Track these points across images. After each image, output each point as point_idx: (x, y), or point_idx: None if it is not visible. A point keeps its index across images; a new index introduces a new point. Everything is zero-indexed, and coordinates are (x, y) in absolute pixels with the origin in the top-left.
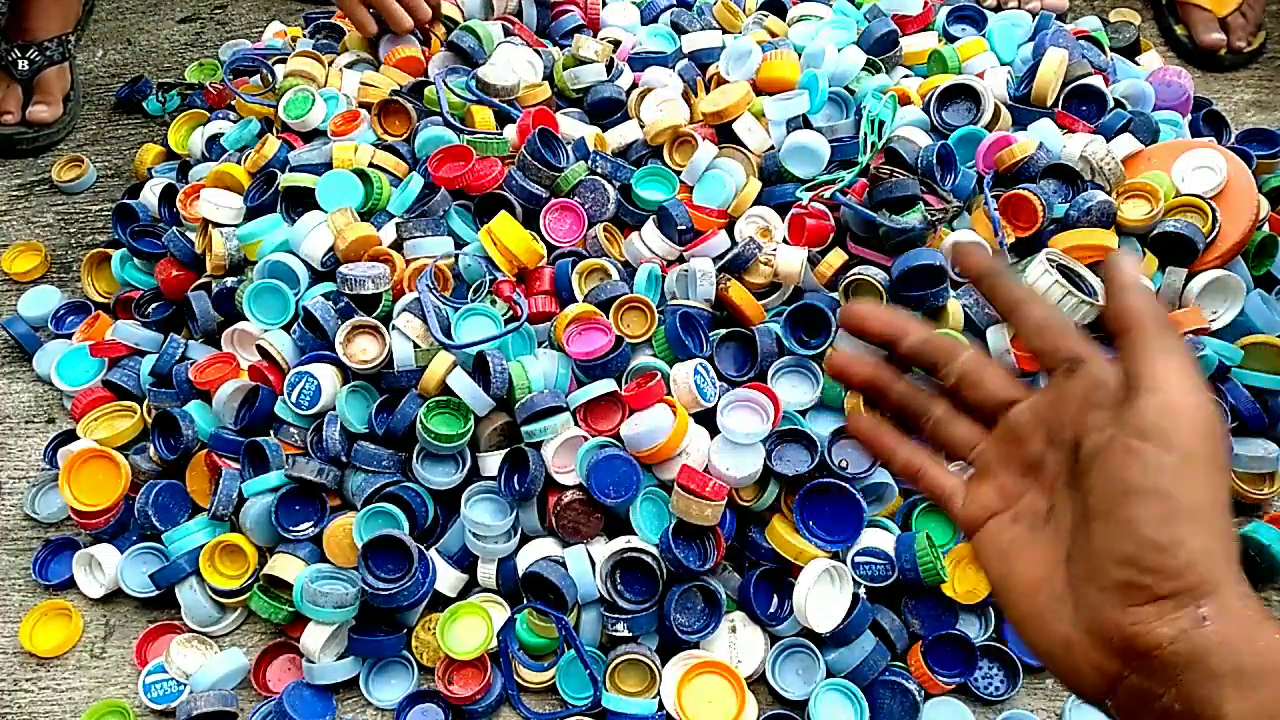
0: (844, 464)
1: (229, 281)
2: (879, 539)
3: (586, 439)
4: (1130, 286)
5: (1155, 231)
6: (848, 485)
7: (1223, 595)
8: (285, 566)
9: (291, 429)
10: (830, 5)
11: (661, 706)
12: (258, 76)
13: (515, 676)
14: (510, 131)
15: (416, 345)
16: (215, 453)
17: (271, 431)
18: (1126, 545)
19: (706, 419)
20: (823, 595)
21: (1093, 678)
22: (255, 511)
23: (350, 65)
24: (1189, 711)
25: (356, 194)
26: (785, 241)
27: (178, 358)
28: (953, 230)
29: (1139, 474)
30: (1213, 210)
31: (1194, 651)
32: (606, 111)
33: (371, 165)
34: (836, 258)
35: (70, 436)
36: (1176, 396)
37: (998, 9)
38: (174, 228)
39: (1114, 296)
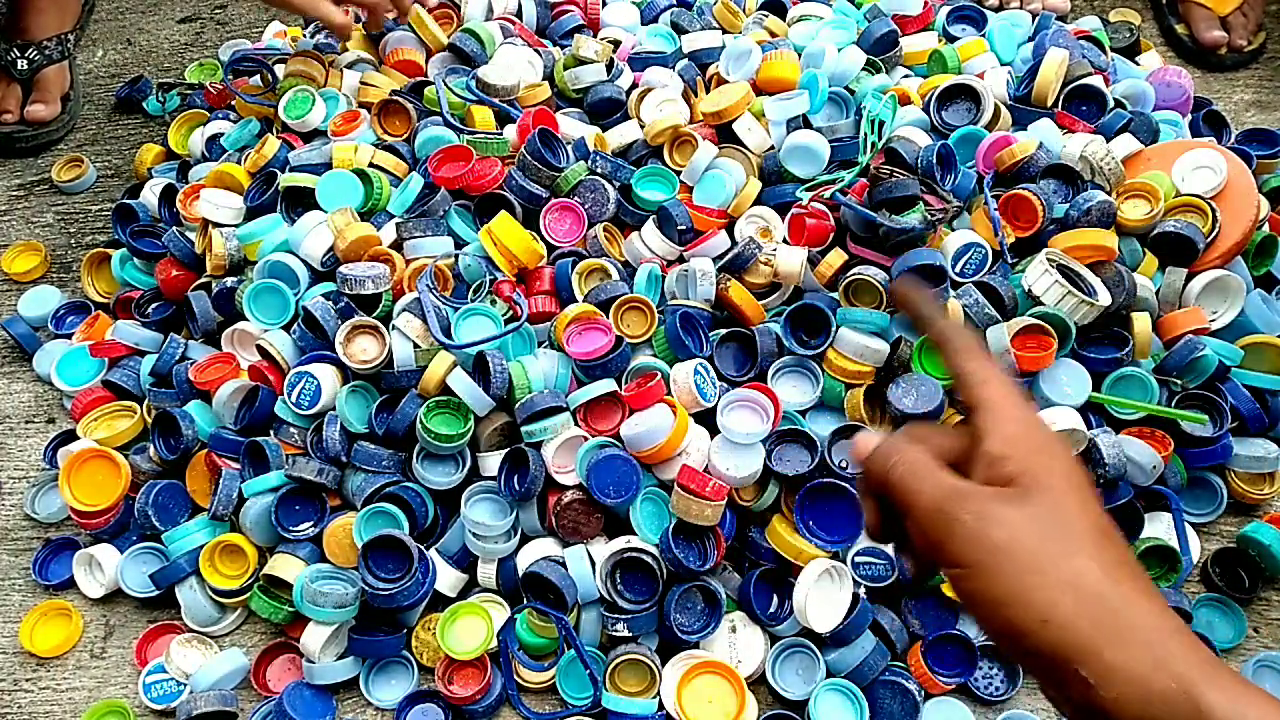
0: (844, 464)
1: (229, 281)
2: None
3: (586, 439)
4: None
5: (1155, 231)
6: (848, 485)
7: (1093, 652)
8: (285, 566)
9: (291, 429)
10: (830, 5)
11: (661, 706)
12: (258, 77)
13: (515, 676)
14: (510, 131)
15: (416, 345)
16: (215, 453)
17: (271, 431)
18: (991, 637)
19: (706, 419)
20: (823, 595)
21: None
22: (255, 511)
23: (350, 65)
24: None
25: (356, 194)
26: (785, 241)
27: (178, 358)
28: (953, 230)
29: (955, 586)
30: (1213, 210)
31: (1100, 711)
32: (606, 111)
33: (371, 165)
34: (836, 258)
35: (70, 436)
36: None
37: (999, 9)
38: (174, 228)
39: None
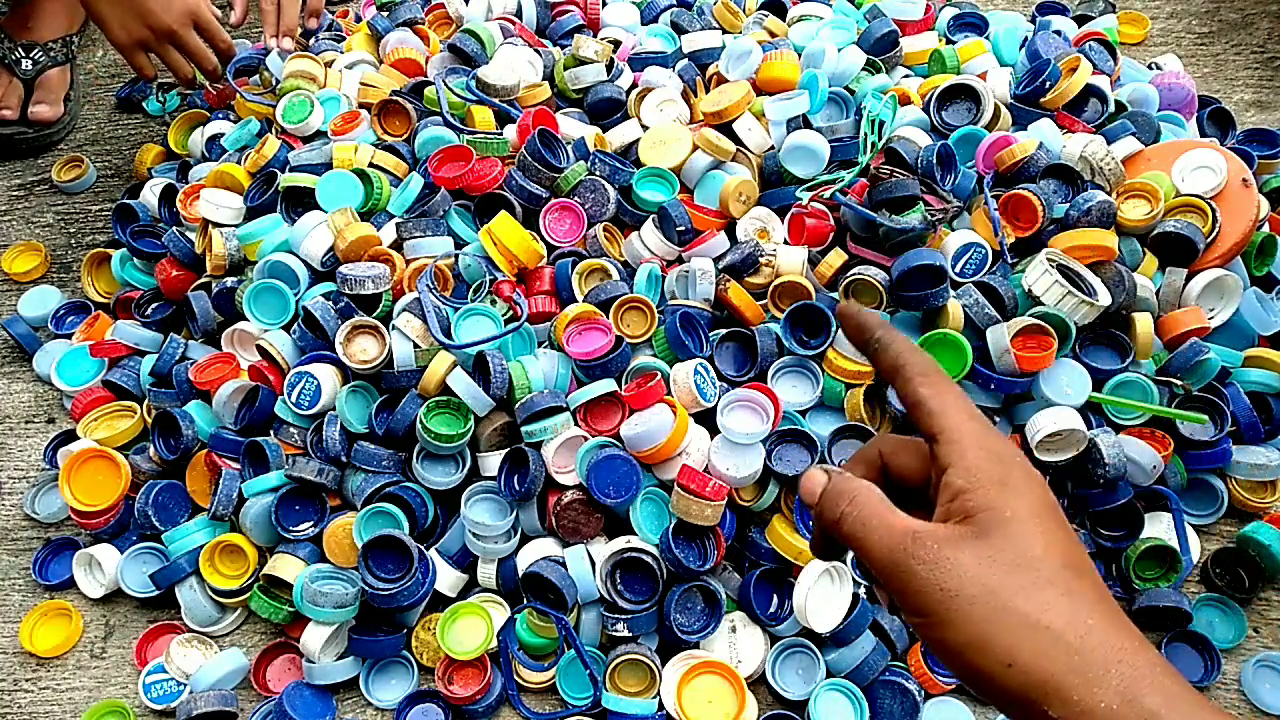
0: (842, 464)
1: (229, 281)
2: None
3: (586, 439)
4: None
5: (1155, 231)
6: None
7: (1059, 693)
8: (285, 566)
9: (291, 429)
10: (830, 5)
11: (661, 706)
12: (257, 76)
13: (515, 676)
14: (510, 131)
15: (416, 345)
16: (215, 453)
17: (271, 431)
18: (962, 682)
19: (706, 419)
20: (823, 595)
21: None
22: (255, 511)
23: (350, 65)
24: None
25: (356, 194)
26: (785, 242)
27: (178, 358)
28: (953, 230)
29: (920, 634)
30: (1213, 210)
31: None
32: (606, 111)
33: (371, 165)
34: (836, 258)
35: (70, 436)
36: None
37: None
38: (174, 228)
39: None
